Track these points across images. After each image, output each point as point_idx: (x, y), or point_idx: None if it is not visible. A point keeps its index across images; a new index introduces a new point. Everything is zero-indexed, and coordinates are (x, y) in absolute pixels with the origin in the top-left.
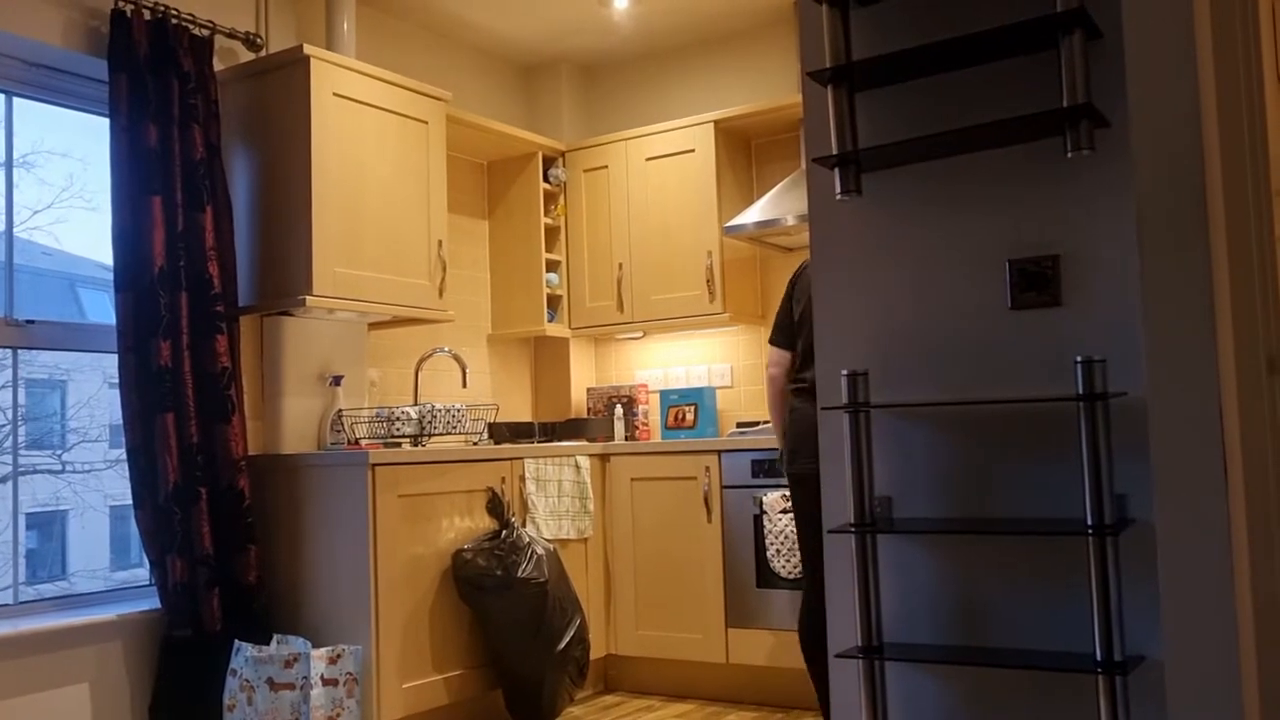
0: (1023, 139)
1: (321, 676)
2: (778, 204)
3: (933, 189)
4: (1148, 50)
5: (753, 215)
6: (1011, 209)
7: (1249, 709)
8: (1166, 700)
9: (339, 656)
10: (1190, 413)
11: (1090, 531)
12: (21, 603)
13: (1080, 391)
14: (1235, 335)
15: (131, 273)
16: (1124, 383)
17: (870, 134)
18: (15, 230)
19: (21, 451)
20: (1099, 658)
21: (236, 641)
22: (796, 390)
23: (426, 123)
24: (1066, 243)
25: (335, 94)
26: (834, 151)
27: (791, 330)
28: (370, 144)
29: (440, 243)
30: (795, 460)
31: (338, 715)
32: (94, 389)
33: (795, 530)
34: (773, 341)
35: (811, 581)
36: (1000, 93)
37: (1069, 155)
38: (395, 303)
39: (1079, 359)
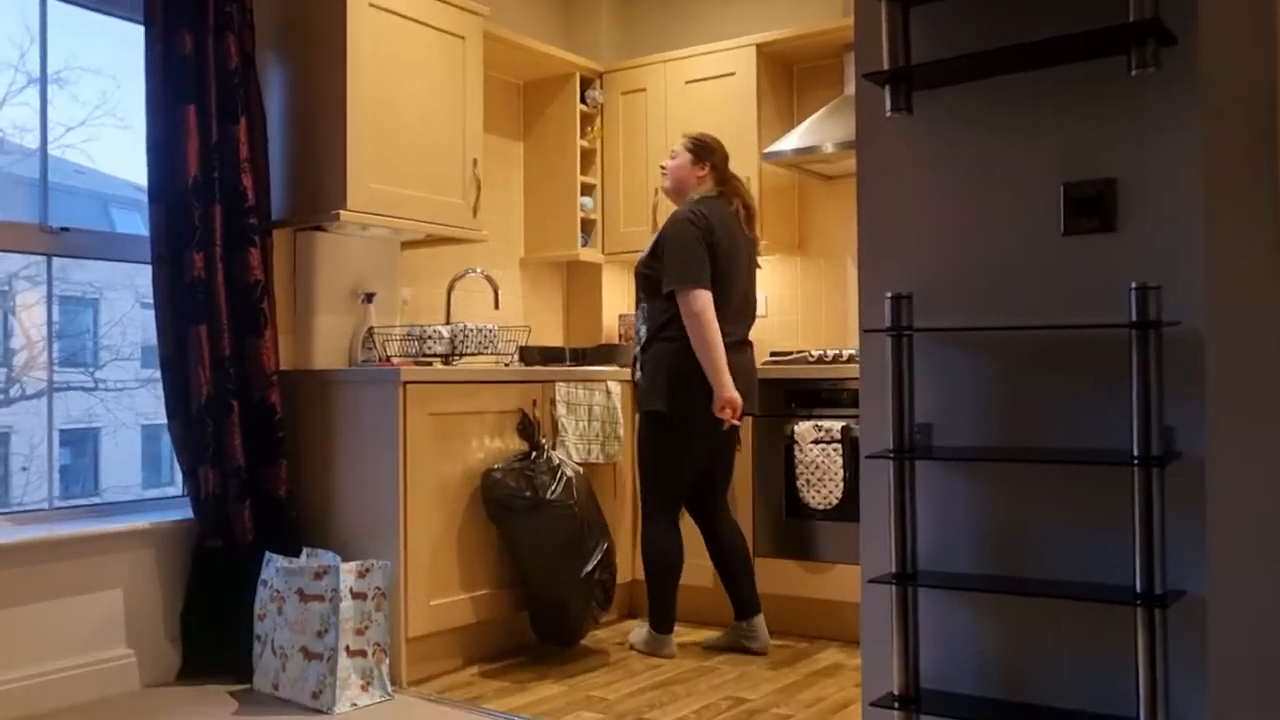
0: (1084, 56)
1: (350, 590)
2: (818, 131)
3: (986, 109)
4: None
5: (792, 141)
6: (1068, 130)
7: None
8: (1208, 635)
9: (368, 571)
10: (1249, 344)
11: (1136, 462)
12: (57, 508)
13: (1134, 319)
14: None
15: (165, 183)
16: (1176, 312)
17: (923, 50)
18: (49, 147)
19: (55, 368)
20: (1139, 590)
21: (267, 553)
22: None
23: (463, 38)
24: (1124, 166)
25: (372, 4)
26: (885, 67)
27: (707, 272)
28: (406, 57)
29: (475, 161)
30: (676, 398)
31: (366, 628)
32: (126, 307)
33: (822, 461)
34: (696, 283)
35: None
36: (1061, 8)
37: (1133, 74)
38: (429, 220)
39: (1134, 285)
